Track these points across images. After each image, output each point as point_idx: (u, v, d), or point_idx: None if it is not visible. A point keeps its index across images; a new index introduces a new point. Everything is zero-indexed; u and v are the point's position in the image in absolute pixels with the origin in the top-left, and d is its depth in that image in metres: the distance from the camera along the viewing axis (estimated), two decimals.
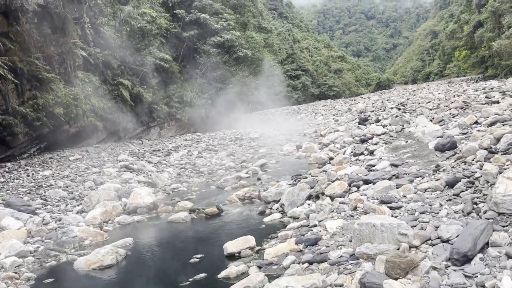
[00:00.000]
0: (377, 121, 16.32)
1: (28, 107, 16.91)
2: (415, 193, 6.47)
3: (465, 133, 10.66)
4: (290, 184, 10.06)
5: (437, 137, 11.15)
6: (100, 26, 24.30)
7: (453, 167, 7.22)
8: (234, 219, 9.05)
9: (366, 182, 7.76)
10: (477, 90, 20.49)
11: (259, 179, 12.84)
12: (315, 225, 6.57)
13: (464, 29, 57.15)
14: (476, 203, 4.98)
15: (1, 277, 6.28)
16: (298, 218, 7.93)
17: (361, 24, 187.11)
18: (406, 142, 11.44)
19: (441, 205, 5.49)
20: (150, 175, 14.29)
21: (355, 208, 6.57)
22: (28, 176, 14.36)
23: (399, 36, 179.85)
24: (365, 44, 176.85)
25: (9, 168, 15.79)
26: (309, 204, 8.31)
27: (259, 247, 6.63)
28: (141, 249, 7.72)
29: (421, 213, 5.37)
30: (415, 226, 4.78)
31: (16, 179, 13.93)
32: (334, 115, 33.39)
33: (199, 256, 6.72)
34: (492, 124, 10.82)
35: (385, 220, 4.61)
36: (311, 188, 8.67)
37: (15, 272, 6.64)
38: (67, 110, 19.19)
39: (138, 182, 13.71)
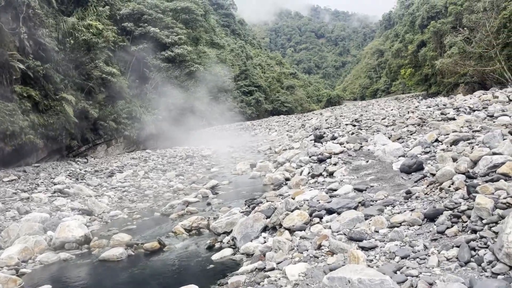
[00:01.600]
0: (333, 138, 15.62)
1: None
2: (390, 227, 5.54)
3: (427, 152, 10.05)
4: (243, 212, 8.92)
5: (399, 156, 10.49)
6: (40, 38, 22.49)
7: (426, 193, 6.39)
8: (178, 256, 7.76)
9: (330, 211, 6.79)
10: (429, 107, 20.44)
11: (209, 204, 11.62)
12: (272, 269, 5.45)
13: (408, 48, 59.34)
14: (474, 249, 4.07)
15: None
16: (252, 255, 6.80)
17: (311, 42, 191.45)
18: (367, 162, 10.68)
19: (426, 247, 4.54)
20: (86, 200, 12.65)
21: (319, 247, 5.53)
22: None
23: (348, 54, 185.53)
24: (316, 61, 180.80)
25: None
26: (265, 238, 7.21)
27: None
28: None
29: (403, 257, 4.40)
30: (402, 282, 3.78)
31: None
32: (287, 131, 32.79)
33: None
34: (454, 142, 10.29)
35: (363, 274, 3.58)
36: (267, 217, 7.58)
37: None
38: (1, 127, 17.71)
39: (71, 210, 12.07)
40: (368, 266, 4.42)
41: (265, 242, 7.06)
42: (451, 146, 10.19)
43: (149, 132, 31.91)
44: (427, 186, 6.72)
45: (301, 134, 24.68)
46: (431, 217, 5.26)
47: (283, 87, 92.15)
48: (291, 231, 6.69)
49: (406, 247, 4.67)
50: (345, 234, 5.77)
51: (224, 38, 79.21)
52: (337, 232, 5.99)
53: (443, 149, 9.78)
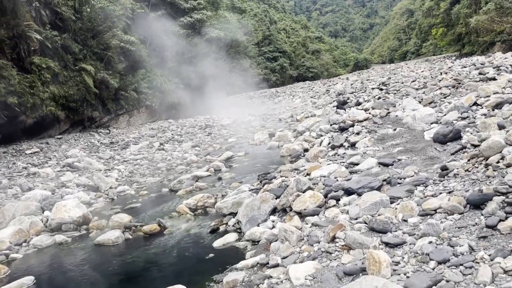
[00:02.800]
0: (358, 104, 14.30)
1: None
2: (422, 215, 4.44)
3: (465, 118, 8.73)
4: (252, 190, 7.95)
5: (432, 123, 9.21)
6: (56, 7, 21.78)
7: (467, 170, 5.22)
8: (178, 241, 6.92)
9: (348, 192, 5.72)
10: (465, 66, 18.63)
11: (220, 178, 10.72)
12: (276, 265, 4.49)
13: (440, 6, 55.80)
14: None
15: None
16: (258, 242, 5.87)
17: (337, 4, 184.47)
18: (394, 130, 9.44)
19: (471, 248, 3.43)
20: (93, 176, 11.99)
21: (333, 239, 4.52)
22: None
23: (376, 15, 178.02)
24: (342, 24, 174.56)
25: None
26: (273, 222, 6.24)
27: None
28: None
29: (441, 262, 3.33)
30: None
31: None
32: (312, 97, 31.39)
33: None
34: (497, 105, 8.92)
35: None
36: (277, 197, 6.59)
37: None
38: (22, 99, 17.47)
39: (77, 186, 11.43)
40: (394, 272, 3.39)
41: (273, 227, 6.11)
42: (493, 110, 8.83)
43: (171, 102, 31.22)
44: (468, 160, 5.53)
45: (325, 100, 23.32)
46: (476, 204, 4.13)
47: (308, 52, 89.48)
48: (302, 215, 5.69)
49: (444, 246, 3.57)
50: (365, 223, 4.71)
51: (246, 2, 76.78)
52: (356, 219, 4.94)
53: (484, 114, 8.45)
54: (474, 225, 3.83)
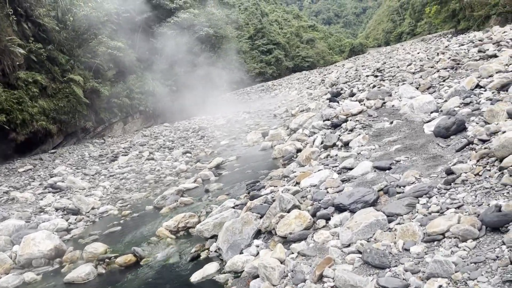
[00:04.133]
0: (352, 95, 13.40)
1: None
2: (426, 241, 3.59)
3: (468, 103, 7.85)
4: (236, 206, 7.10)
5: (431, 112, 8.34)
6: (39, 19, 21.01)
7: (478, 174, 4.36)
8: (154, 274, 6.10)
9: (339, 208, 4.87)
10: (462, 44, 17.63)
11: (207, 191, 9.89)
12: None
13: None
14: None
15: None
16: (241, 272, 5.05)
17: None
18: (391, 123, 8.56)
19: None
20: (72, 198, 11.18)
21: (320, 278, 3.68)
22: None
23: None
24: (335, 10, 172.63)
25: None
26: (257, 247, 5.41)
27: None
28: None
29: None
30: None
31: None
32: (308, 88, 30.44)
33: None
34: (502, 87, 8.04)
35: None
36: (261, 216, 5.75)
37: None
38: (10, 116, 16.90)
39: (56, 210, 10.63)
40: None
41: (257, 253, 5.28)
42: (499, 92, 7.95)
43: (165, 105, 30.40)
44: (478, 161, 4.66)
45: (320, 90, 22.40)
46: (494, 226, 3.29)
47: (302, 41, 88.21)
48: (288, 240, 4.85)
49: None
50: (359, 252, 3.87)
51: None
52: (349, 245, 4.10)
53: (489, 99, 7.56)
54: (494, 260, 2.99)
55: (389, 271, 3.41)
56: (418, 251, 3.51)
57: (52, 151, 20.05)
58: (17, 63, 19.36)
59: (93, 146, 21.98)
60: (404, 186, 4.95)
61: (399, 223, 4.10)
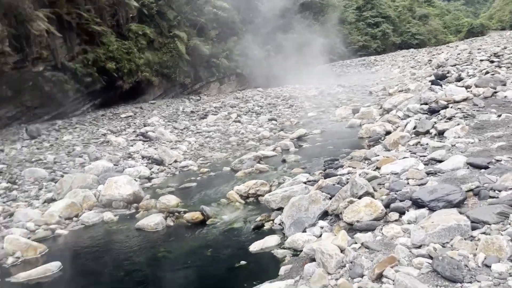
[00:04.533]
0: (458, 79, 12.09)
1: (78, 63, 16.38)
2: None
3: None
4: (309, 182, 6.81)
5: None
6: None
7: None
8: (216, 236, 6.13)
9: (417, 204, 4.36)
10: None
11: (284, 161, 9.71)
12: None
13: None
14: None
15: None
16: (299, 252, 4.84)
17: None
18: (499, 116, 7.51)
19: None
20: (157, 149, 11.71)
21: (379, 277, 3.32)
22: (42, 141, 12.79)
23: None
24: None
25: (58, 126, 15.09)
26: (322, 228, 5.13)
27: None
28: None
29: None
30: None
31: (31, 145, 12.22)
32: (412, 67, 28.36)
33: None
34: None
35: None
36: (331, 197, 5.41)
37: None
38: (119, 65, 18.40)
39: (142, 158, 11.25)
40: None
41: (321, 235, 5.00)
42: None
43: (261, 70, 30.36)
44: None
45: (426, 71, 20.69)
46: None
47: (414, 17, 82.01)
48: (353, 229, 4.49)
49: None
50: (430, 257, 3.41)
51: None
52: (419, 247, 3.64)
53: None
54: None
55: (461, 287, 2.94)
56: (502, 270, 2.97)
57: (152, 101, 21.36)
58: (130, 15, 20.63)
59: (189, 101, 22.91)
60: (499, 191, 4.27)
61: (484, 233, 3.53)
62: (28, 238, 6.58)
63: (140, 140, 13.23)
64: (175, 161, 11.05)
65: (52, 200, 8.39)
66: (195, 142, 13.35)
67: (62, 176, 9.45)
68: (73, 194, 8.15)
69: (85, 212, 7.78)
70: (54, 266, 5.58)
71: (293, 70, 31.44)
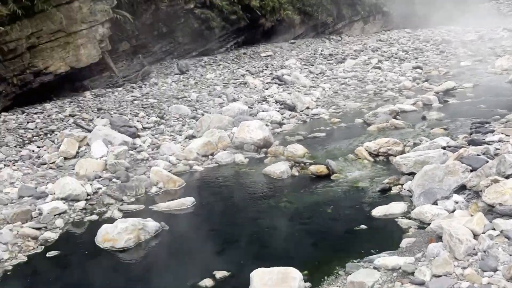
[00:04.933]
0: None
1: (224, 0, 17.02)
2: None
3: None
4: (448, 148, 6.13)
5: None
6: None
7: None
8: (339, 194, 6.02)
9: None
10: None
11: (424, 118, 8.91)
12: (420, 283, 3.21)
13: None
14: None
15: (11, 237, 5.21)
16: (426, 226, 4.50)
17: None
18: None
19: None
20: (290, 93, 11.72)
21: None
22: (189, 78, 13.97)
23: None
24: None
25: (204, 62, 16.24)
26: (456, 203, 4.64)
27: None
28: (184, 226, 5.63)
29: None
30: None
31: (179, 81, 13.46)
32: None
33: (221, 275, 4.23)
34: None
35: None
36: (472, 170, 4.81)
37: (38, 228, 5.54)
38: (263, 3, 18.78)
39: (275, 102, 11.43)
40: None
41: (454, 210, 4.54)
42: None
43: (411, 8, 27.51)
44: None
45: None
46: None
47: None
48: (493, 212, 3.94)
49: None
50: None
51: None
52: None
53: None
54: None
55: None
56: None
57: (292, 41, 21.28)
58: None
59: (329, 42, 22.28)
60: None
61: None
62: (169, 171, 7.32)
63: (275, 83, 13.40)
64: (307, 108, 10.98)
65: (192, 137, 9.12)
66: (330, 88, 13.03)
67: (202, 114, 10.15)
68: (210, 134, 8.72)
69: (219, 152, 8.29)
70: (188, 201, 6.15)
71: (448, 9, 27.66)
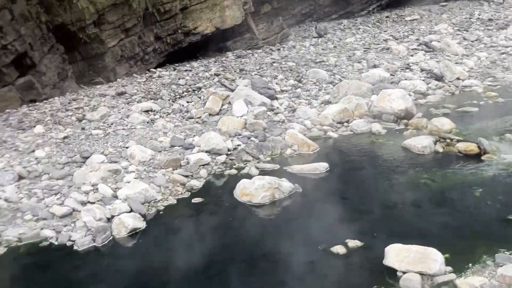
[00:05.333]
0: None
1: None
2: None
3: None
4: None
5: None
6: None
7: None
8: (488, 178, 5.43)
9: None
10: None
11: None
12: None
13: None
14: None
15: (164, 181, 5.85)
16: None
17: None
18: None
19: None
20: (440, 62, 10.68)
21: None
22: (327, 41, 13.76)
23: None
24: None
25: (344, 25, 16.04)
26: None
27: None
28: (317, 191, 5.64)
29: None
30: None
31: (318, 45, 13.41)
32: None
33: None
34: None
35: None
36: None
37: (186, 176, 6.11)
38: None
39: (420, 71, 10.59)
40: None
41: None
42: None
43: None
44: None
45: None
46: None
47: None
48: None
49: None
50: None
51: None
52: None
53: None
54: None
55: None
56: None
57: (443, 3, 19.27)
58: None
59: (488, 5, 19.59)
60: None
61: None
62: (304, 134, 7.38)
63: (422, 50, 12.36)
64: (457, 79, 9.95)
65: (328, 102, 8.99)
66: (486, 58, 11.56)
67: (340, 80, 9.90)
68: (347, 100, 8.49)
69: (355, 120, 8.05)
70: (322, 167, 6.17)
71: None
